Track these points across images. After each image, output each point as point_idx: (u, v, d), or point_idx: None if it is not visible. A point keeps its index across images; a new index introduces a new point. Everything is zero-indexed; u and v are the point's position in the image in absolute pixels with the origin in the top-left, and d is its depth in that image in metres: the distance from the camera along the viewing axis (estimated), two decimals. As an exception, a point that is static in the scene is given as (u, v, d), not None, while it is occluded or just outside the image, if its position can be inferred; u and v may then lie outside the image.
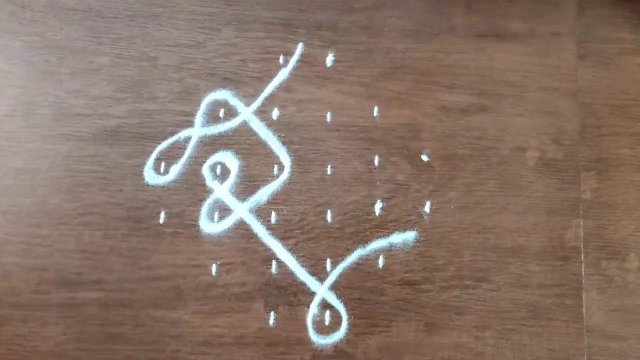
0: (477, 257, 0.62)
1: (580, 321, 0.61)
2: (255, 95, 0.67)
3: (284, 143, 0.65)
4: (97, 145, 0.65)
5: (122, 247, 0.62)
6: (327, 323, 0.61)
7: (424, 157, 0.65)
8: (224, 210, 0.63)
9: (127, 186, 0.64)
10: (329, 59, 0.67)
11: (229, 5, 0.69)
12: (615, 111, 0.66)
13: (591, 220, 0.63)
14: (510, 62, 0.68)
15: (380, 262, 0.62)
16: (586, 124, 0.66)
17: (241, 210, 0.63)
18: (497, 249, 0.62)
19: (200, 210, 0.63)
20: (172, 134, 0.65)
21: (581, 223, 0.63)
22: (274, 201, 0.64)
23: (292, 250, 0.62)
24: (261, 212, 0.63)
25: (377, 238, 0.62)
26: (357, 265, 0.62)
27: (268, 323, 0.60)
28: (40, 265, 0.62)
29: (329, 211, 0.63)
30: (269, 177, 0.64)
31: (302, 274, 0.62)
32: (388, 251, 0.62)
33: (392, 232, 0.63)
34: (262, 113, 0.66)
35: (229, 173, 0.64)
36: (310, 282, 0.62)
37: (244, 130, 0.66)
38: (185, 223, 0.63)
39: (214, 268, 0.62)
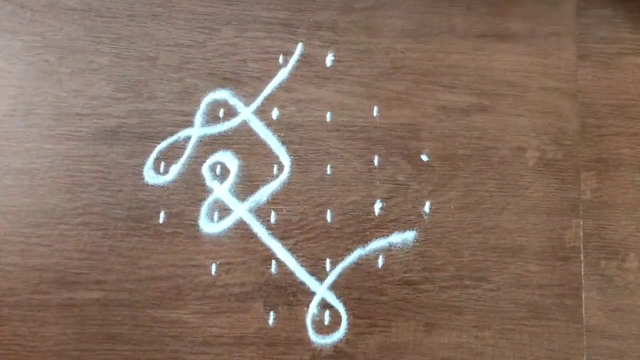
0: (477, 257, 0.62)
1: (580, 321, 0.60)
2: (254, 95, 0.67)
3: (283, 143, 0.65)
4: (97, 145, 0.65)
5: (121, 247, 0.62)
6: (326, 323, 0.61)
7: (424, 157, 0.65)
8: (223, 210, 0.63)
9: (127, 186, 0.64)
10: (329, 59, 0.67)
11: (228, 5, 0.69)
12: (615, 111, 0.66)
13: (591, 220, 0.63)
14: (510, 62, 0.68)
15: (380, 262, 0.62)
16: (586, 124, 0.66)
17: (241, 210, 0.63)
18: (497, 249, 0.62)
19: (199, 210, 0.63)
20: (171, 133, 0.65)
21: (581, 223, 0.63)
22: (274, 201, 0.64)
23: (292, 250, 0.62)
24: (261, 212, 0.63)
25: (377, 238, 0.62)
26: (357, 265, 0.62)
27: (267, 323, 0.60)
28: (40, 265, 0.62)
29: (328, 211, 0.63)
30: (269, 177, 0.64)
31: (302, 274, 0.62)
32: (388, 251, 0.62)
33: (391, 232, 0.63)
34: (262, 113, 0.66)
35: (229, 173, 0.64)
36: (310, 282, 0.61)
37: (244, 130, 0.66)
38: (184, 223, 0.63)
39: (213, 268, 0.62)
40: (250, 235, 0.63)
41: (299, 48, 0.68)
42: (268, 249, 0.62)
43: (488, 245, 0.63)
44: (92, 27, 0.68)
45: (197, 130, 0.65)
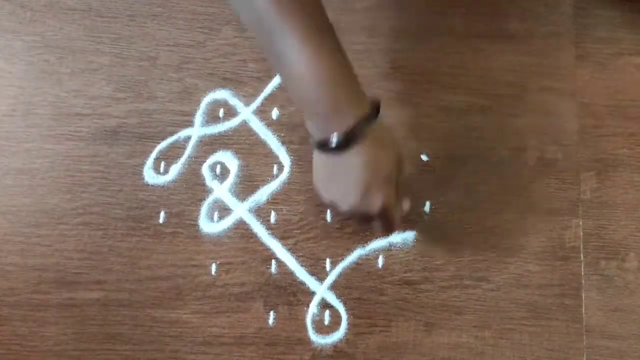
0: (477, 257, 0.62)
1: (580, 321, 0.61)
2: (254, 95, 0.67)
3: (283, 143, 0.65)
4: (97, 145, 0.65)
5: (121, 247, 0.62)
6: (326, 323, 0.61)
7: (424, 157, 0.65)
8: (223, 210, 0.63)
9: (127, 186, 0.64)
10: (329, 59, 0.67)
11: (228, 5, 0.69)
12: (614, 112, 0.66)
13: (591, 221, 0.63)
14: (509, 62, 0.68)
15: (380, 262, 0.62)
16: (585, 124, 0.66)
17: (241, 210, 0.63)
18: (497, 249, 0.62)
19: (199, 210, 0.63)
20: (171, 133, 0.65)
21: (581, 223, 0.63)
22: (274, 201, 0.64)
23: (292, 250, 0.62)
24: (261, 212, 0.63)
25: (377, 238, 0.62)
26: (357, 265, 0.62)
27: (267, 323, 0.60)
28: (40, 265, 0.61)
29: (328, 211, 0.63)
30: (269, 177, 0.64)
31: (302, 274, 0.62)
32: (388, 251, 0.62)
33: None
34: (262, 113, 0.66)
35: (229, 173, 0.64)
36: (310, 281, 0.61)
37: (244, 130, 0.66)
38: (184, 223, 0.63)
39: (213, 268, 0.62)
40: (250, 235, 0.63)
41: (299, 48, 0.68)
42: (268, 249, 0.62)
43: (488, 245, 0.63)
44: (92, 27, 0.68)
45: (197, 130, 0.65)
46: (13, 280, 0.61)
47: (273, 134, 0.65)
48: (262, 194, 0.64)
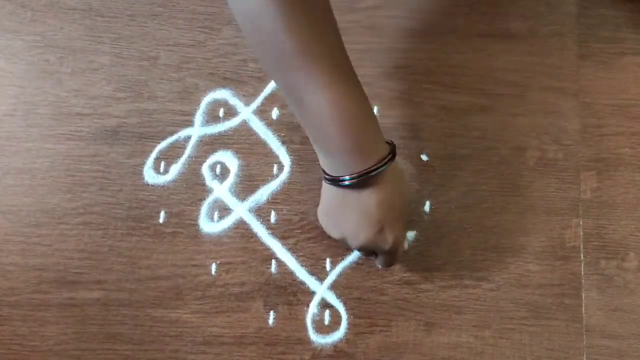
0: (477, 257, 0.62)
1: (580, 321, 0.61)
2: (255, 95, 0.67)
3: (283, 142, 0.65)
4: (97, 145, 0.65)
5: (121, 246, 0.62)
6: (326, 322, 0.61)
7: (424, 157, 0.65)
8: (223, 210, 0.63)
9: (127, 186, 0.64)
10: (329, 59, 0.67)
11: (229, 5, 0.69)
12: (616, 111, 0.66)
13: (591, 220, 0.63)
14: (511, 62, 0.68)
15: (380, 261, 0.62)
16: (586, 123, 0.66)
17: (241, 210, 0.63)
18: (497, 248, 0.62)
19: (200, 209, 0.63)
20: (171, 133, 0.65)
21: (581, 223, 0.63)
22: (274, 201, 0.64)
23: (292, 249, 0.62)
24: (261, 212, 0.63)
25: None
26: (357, 265, 0.62)
27: (267, 323, 0.61)
28: (40, 265, 0.62)
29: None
30: (269, 177, 0.64)
31: (302, 274, 0.62)
32: (388, 251, 0.62)
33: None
34: (262, 113, 0.66)
35: (229, 172, 0.64)
36: (310, 281, 0.62)
37: (244, 129, 0.66)
38: (184, 223, 0.63)
39: (213, 268, 0.62)
40: (250, 235, 0.63)
41: (299, 48, 0.68)
42: (268, 249, 0.62)
43: (488, 245, 0.63)
44: (93, 27, 0.68)
45: (197, 130, 0.65)
46: (13, 280, 0.61)
47: (273, 134, 0.65)
48: (262, 194, 0.64)
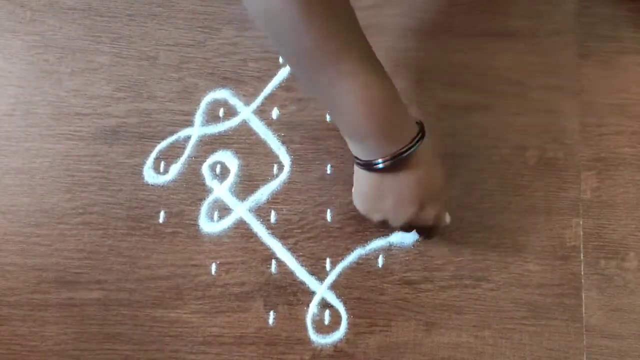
0: (477, 256, 0.62)
1: (580, 320, 0.60)
2: (255, 95, 0.67)
3: (283, 142, 0.65)
4: (97, 145, 0.65)
5: (121, 246, 0.62)
6: (326, 322, 0.61)
7: (424, 157, 0.65)
8: (223, 210, 0.63)
9: (127, 186, 0.64)
10: (329, 58, 0.67)
11: (229, 5, 0.69)
12: (616, 110, 0.66)
13: (591, 220, 0.63)
14: (512, 60, 0.68)
15: (380, 261, 0.62)
16: (587, 123, 0.66)
17: (241, 210, 0.63)
18: (497, 248, 0.62)
19: (199, 209, 0.63)
20: (171, 133, 0.65)
21: (581, 222, 0.63)
22: (274, 200, 0.64)
23: (292, 249, 0.62)
24: (261, 212, 0.63)
25: (377, 237, 0.62)
26: (357, 265, 0.62)
27: (267, 322, 0.61)
28: (40, 265, 0.62)
29: (328, 210, 0.63)
30: (269, 177, 0.64)
31: (302, 274, 0.62)
32: (387, 251, 0.62)
33: (391, 232, 0.63)
34: (262, 112, 0.66)
35: (229, 172, 0.64)
36: (310, 281, 0.62)
37: (244, 129, 0.66)
38: (184, 222, 0.63)
39: (213, 267, 0.62)
40: (250, 235, 0.63)
41: (299, 47, 0.67)
42: (268, 249, 0.62)
43: (488, 245, 0.62)
44: (92, 27, 0.68)
45: (197, 130, 0.65)
46: (13, 280, 0.61)
47: (273, 134, 0.65)
48: (262, 194, 0.64)
